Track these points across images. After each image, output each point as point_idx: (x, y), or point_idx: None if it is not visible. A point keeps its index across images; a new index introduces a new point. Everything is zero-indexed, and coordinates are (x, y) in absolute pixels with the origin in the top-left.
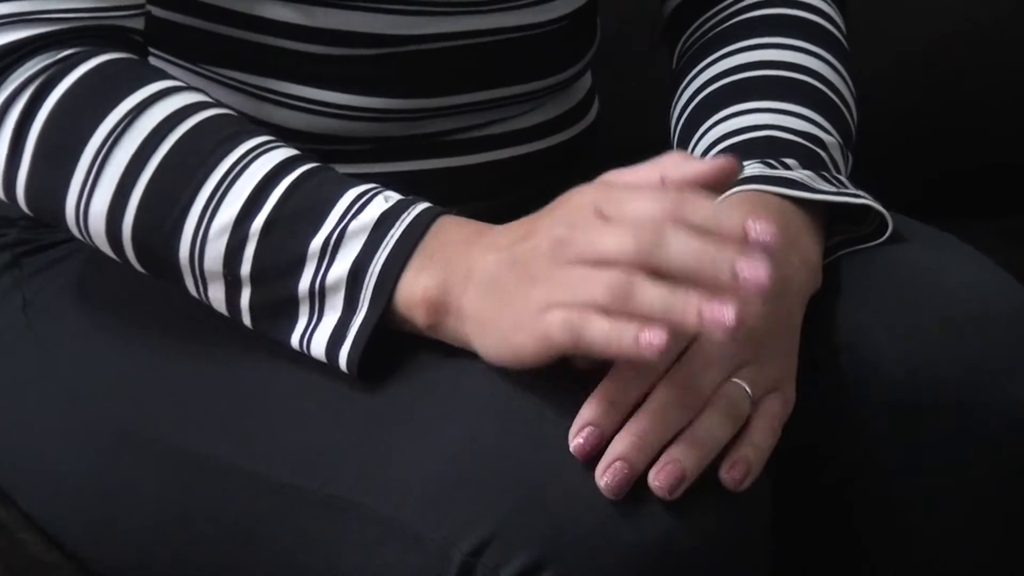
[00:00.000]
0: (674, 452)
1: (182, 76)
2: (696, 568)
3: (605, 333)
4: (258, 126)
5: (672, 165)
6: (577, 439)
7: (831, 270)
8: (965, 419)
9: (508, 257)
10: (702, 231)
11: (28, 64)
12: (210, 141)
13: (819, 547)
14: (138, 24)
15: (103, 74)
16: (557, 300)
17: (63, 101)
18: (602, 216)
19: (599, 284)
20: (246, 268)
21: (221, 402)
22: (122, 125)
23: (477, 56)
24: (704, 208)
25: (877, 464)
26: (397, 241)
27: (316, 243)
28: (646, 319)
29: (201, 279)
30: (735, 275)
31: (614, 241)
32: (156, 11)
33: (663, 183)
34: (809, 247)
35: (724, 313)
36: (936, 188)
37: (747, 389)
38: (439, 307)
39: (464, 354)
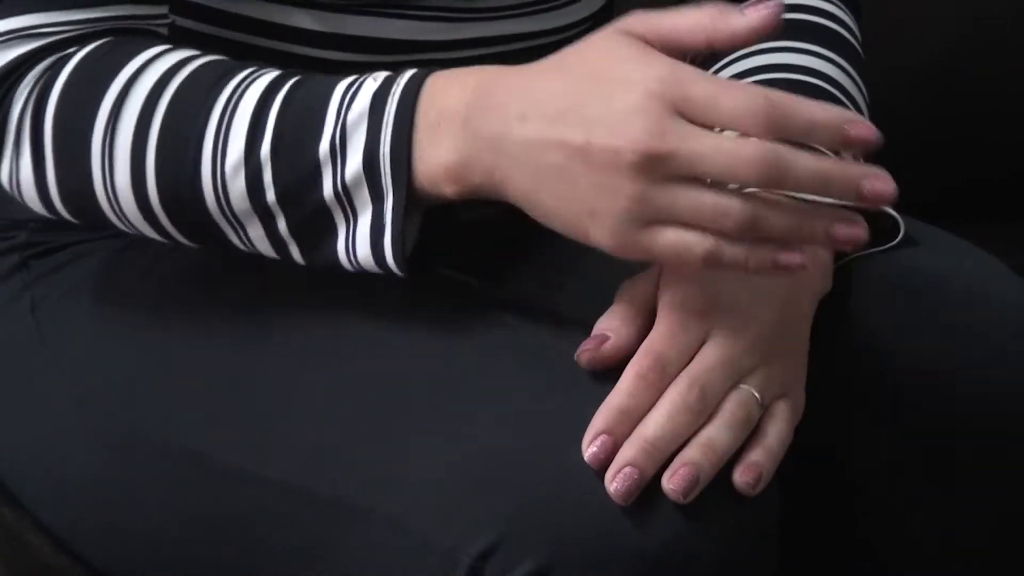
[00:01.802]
0: (688, 456)
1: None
2: (704, 573)
3: (743, 256)
4: (244, 61)
5: (713, 23)
6: (591, 448)
7: (843, 273)
8: (978, 424)
9: (561, 144)
10: (811, 146)
11: (32, 74)
12: (201, 90)
13: (827, 552)
14: (163, 32)
15: (94, 58)
16: (671, 219)
17: (63, 96)
18: (689, 118)
19: (725, 214)
20: (271, 195)
21: (230, 405)
22: (119, 100)
23: (495, 63)
24: (803, 113)
25: (887, 470)
26: (395, 119)
27: (324, 147)
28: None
29: (237, 223)
30: (862, 195)
31: (733, 170)
32: (178, 20)
33: (710, 44)
34: (818, 248)
35: (857, 232)
36: (949, 193)
37: (756, 394)
38: (466, 179)
39: (472, 359)
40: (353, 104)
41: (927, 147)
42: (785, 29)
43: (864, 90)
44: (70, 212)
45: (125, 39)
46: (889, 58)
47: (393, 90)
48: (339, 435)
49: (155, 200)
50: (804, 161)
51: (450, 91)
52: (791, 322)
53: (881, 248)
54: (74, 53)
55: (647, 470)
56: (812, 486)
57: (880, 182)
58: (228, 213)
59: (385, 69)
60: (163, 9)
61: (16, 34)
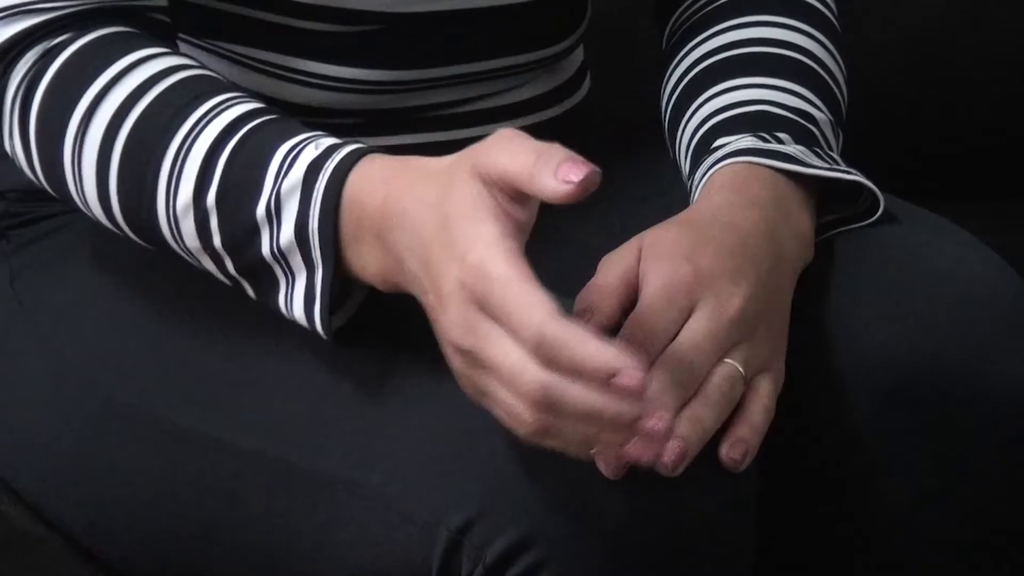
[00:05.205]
0: (678, 431)
1: (167, 46)
2: (682, 545)
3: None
4: (222, 82)
5: (530, 179)
6: None
7: (823, 249)
8: (952, 401)
9: (423, 281)
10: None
11: (29, 54)
12: (166, 114)
13: (806, 527)
14: (159, 2)
15: (77, 59)
16: (472, 390)
17: (52, 83)
18: (487, 317)
19: (518, 419)
20: (217, 241)
21: (210, 376)
22: (90, 110)
23: (469, 27)
24: (575, 355)
25: (865, 445)
26: (322, 203)
27: (261, 210)
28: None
29: (191, 255)
30: (640, 430)
31: (512, 401)
32: None
33: (527, 188)
34: (801, 220)
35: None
36: (930, 170)
37: (740, 369)
38: (391, 284)
39: None
40: (290, 173)
41: (907, 123)
42: (762, 3)
43: (842, 64)
44: (55, 195)
45: (115, 36)
46: (870, 34)
47: (327, 165)
48: (319, 408)
49: (120, 218)
50: (576, 398)
51: (366, 200)
52: (773, 296)
53: (861, 224)
54: (67, 43)
55: None
56: (792, 462)
57: (657, 421)
58: (182, 246)
59: (356, 36)
60: None
61: (14, 10)
